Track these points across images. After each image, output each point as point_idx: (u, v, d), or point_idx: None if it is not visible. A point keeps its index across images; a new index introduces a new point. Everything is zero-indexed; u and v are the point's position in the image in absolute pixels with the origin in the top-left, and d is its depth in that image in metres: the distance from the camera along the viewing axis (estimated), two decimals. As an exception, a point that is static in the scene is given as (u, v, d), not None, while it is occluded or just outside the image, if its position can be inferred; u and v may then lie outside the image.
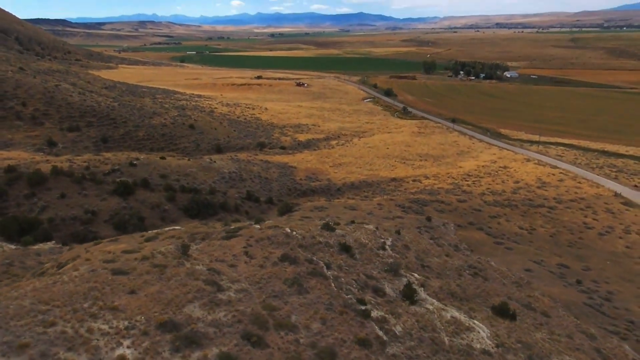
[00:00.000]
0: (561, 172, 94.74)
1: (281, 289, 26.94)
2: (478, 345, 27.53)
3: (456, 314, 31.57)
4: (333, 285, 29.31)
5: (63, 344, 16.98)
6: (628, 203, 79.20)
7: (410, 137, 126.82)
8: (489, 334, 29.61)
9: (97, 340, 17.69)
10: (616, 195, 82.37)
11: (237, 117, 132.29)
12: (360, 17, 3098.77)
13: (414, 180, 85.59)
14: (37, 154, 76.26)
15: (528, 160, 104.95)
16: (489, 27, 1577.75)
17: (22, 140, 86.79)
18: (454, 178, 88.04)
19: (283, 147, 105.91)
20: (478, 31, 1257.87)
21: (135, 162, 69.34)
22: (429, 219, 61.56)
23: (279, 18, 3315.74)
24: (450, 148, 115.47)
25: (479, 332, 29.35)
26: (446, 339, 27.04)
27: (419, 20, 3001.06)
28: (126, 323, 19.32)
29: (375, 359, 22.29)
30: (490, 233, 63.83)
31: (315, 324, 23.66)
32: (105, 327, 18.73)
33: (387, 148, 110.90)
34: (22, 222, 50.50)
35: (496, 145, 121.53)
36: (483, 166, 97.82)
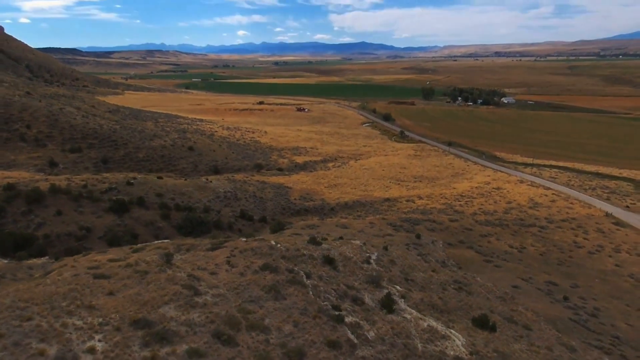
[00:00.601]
0: (554, 193, 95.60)
1: (258, 295, 27.78)
2: (452, 353, 28.00)
3: (434, 323, 32.11)
4: (311, 293, 30.04)
5: (37, 336, 17.91)
6: (619, 223, 79.70)
7: (406, 159, 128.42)
8: (464, 343, 30.07)
9: (70, 333, 18.60)
10: (607, 215, 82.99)
11: (237, 140, 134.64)
12: (362, 47, 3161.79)
13: (407, 201, 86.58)
14: (37, 174, 78.02)
15: (521, 181, 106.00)
16: (487, 56, 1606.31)
17: (24, 161, 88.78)
18: (447, 198, 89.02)
19: (280, 169, 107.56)
20: (477, 59, 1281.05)
21: (132, 181, 70.88)
22: (418, 236, 62.30)
23: (283, 47, 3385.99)
24: (445, 170, 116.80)
25: (454, 341, 29.84)
26: (419, 345, 27.60)
27: (420, 49, 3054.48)
28: (100, 320, 20.24)
29: (343, 359, 22.99)
30: (480, 251, 64.34)
31: (288, 326, 24.39)
32: (79, 322, 19.65)
33: (383, 170, 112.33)
34: (17, 238, 51.55)
35: (491, 168, 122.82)
36: (476, 187, 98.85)
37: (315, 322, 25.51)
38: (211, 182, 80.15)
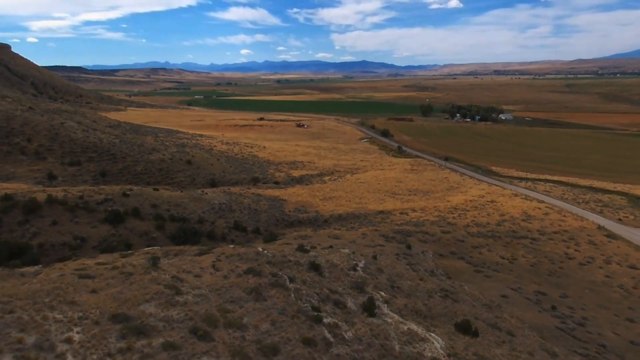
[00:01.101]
0: (547, 207, 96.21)
1: (239, 296, 28.48)
2: (429, 354, 28.51)
3: (414, 327, 32.65)
4: (293, 295, 30.68)
5: (17, 326, 18.70)
6: (611, 235, 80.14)
7: (402, 173, 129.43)
8: (443, 345, 30.59)
9: (50, 325, 19.39)
10: (599, 228, 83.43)
11: (235, 155, 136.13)
12: (363, 65, 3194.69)
13: (401, 213, 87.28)
14: (36, 186, 79.06)
15: (516, 195, 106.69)
16: (487, 74, 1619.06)
17: (24, 173, 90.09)
18: (440, 211, 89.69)
19: (276, 182, 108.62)
20: (476, 77, 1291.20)
21: (128, 192, 71.91)
22: (409, 246, 62.92)
23: (285, 66, 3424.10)
24: (440, 184, 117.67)
25: (433, 343, 30.36)
26: (397, 346, 28.14)
27: (420, 67, 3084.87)
28: (80, 314, 21.03)
29: (318, 356, 23.58)
30: (471, 262, 64.82)
31: (265, 324, 25.06)
32: (60, 316, 20.45)
33: (378, 183, 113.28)
34: (12, 247, 52.36)
35: (486, 182, 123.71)
36: (471, 200, 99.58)
37: (292, 321, 26.17)
38: (206, 194, 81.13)
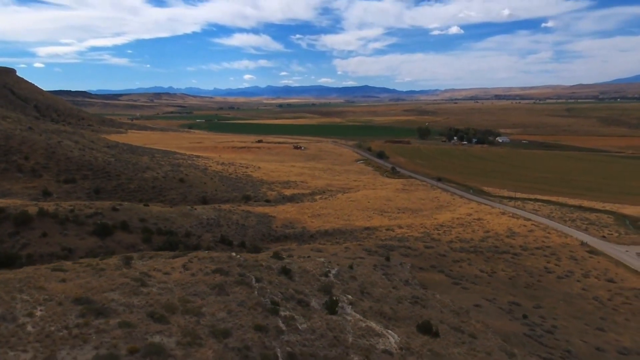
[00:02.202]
0: (533, 224, 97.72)
1: (203, 290, 30.23)
2: (381, 347, 30.09)
3: (373, 325, 34.20)
4: (256, 292, 32.36)
5: (-16, 304, 20.68)
6: (593, 251, 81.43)
7: (393, 192, 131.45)
8: (398, 341, 32.13)
9: (16, 304, 21.35)
10: (582, 244, 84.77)
11: (229, 174, 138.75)
12: (365, 90, 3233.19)
13: (387, 229, 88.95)
14: (30, 202, 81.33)
15: (503, 213, 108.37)
16: (488, 99, 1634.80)
17: (20, 190, 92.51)
18: (426, 228, 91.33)
19: (268, 200, 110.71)
20: (477, 102, 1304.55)
21: (118, 207, 74.06)
22: (387, 258, 64.52)
23: (288, 90, 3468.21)
24: (430, 203, 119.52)
25: (388, 339, 31.93)
26: (350, 338, 29.74)
27: (421, 92, 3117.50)
28: (46, 297, 22.95)
29: (267, 341, 25.28)
30: (450, 275, 66.15)
31: (222, 313, 26.80)
32: (27, 297, 22.40)
33: (368, 202, 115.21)
34: (1, 257, 54.30)
35: (476, 201, 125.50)
36: (457, 218, 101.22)
37: (249, 312, 27.90)
38: (195, 209, 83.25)
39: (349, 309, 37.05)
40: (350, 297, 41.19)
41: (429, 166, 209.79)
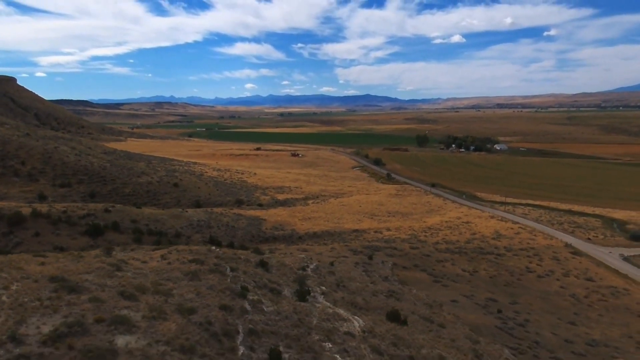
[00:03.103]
0: (520, 227, 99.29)
1: (176, 276, 32.03)
2: (344, 329, 31.77)
3: (341, 311, 35.92)
4: (229, 280, 34.29)
5: (-36, 279, 22.64)
6: (577, 253, 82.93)
7: (385, 198, 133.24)
8: (362, 325, 33.85)
9: (-6, 280, 23.29)
10: (566, 245, 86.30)
11: (224, 180, 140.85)
12: (366, 99, 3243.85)
13: (375, 232, 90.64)
14: (24, 204, 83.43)
15: (492, 217, 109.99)
16: (489, 107, 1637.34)
17: (16, 194, 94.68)
18: (414, 230, 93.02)
19: (260, 205, 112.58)
20: (479, 111, 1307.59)
21: (110, 209, 76.12)
22: (370, 257, 66.23)
23: (289, 99, 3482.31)
24: (421, 207, 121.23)
25: (353, 323, 33.62)
26: (315, 321, 31.47)
27: (423, 101, 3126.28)
28: (24, 275, 24.90)
29: (231, 319, 27.04)
30: (432, 274, 67.74)
31: (190, 295, 28.57)
32: (5, 275, 24.32)
33: (360, 206, 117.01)
34: (-6, 254, 56.33)
35: (467, 206, 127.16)
36: (446, 221, 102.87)
37: (217, 294, 29.67)
38: (187, 212, 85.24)
39: (320, 298, 38.81)
40: (324, 288, 42.95)
41: (425, 173, 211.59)
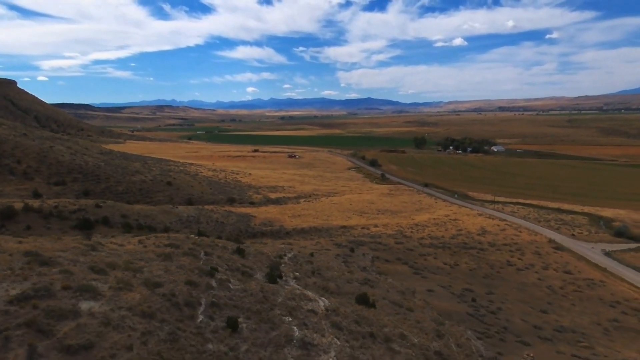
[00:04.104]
0: (506, 224, 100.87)
1: (150, 257, 33.78)
2: (308, 307, 33.51)
3: (309, 293, 37.59)
4: (201, 262, 36.11)
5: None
6: (559, 248, 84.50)
7: (377, 197, 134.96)
8: (327, 305, 35.57)
9: (-30, 254, 25.18)
10: (550, 241, 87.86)
11: (219, 179, 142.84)
12: (368, 102, 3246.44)
13: (362, 228, 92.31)
14: (17, 200, 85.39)
15: (480, 214, 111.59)
16: (491, 111, 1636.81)
17: (11, 192, 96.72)
18: (401, 227, 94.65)
19: (252, 203, 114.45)
20: (480, 114, 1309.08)
21: (101, 204, 78.06)
22: (352, 250, 67.97)
23: (291, 103, 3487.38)
24: (412, 205, 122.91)
25: (318, 303, 35.37)
26: (280, 299, 33.15)
27: (425, 104, 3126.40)
28: (0, 250, 26.81)
29: (195, 293, 28.80)
30: (414, 266, 69.36)
31: (159, 272, 30.30)
32: (-18, 250, 26.23)
33: (351, 204, 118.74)
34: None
35: (457, 204, 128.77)
36: (434, 219, 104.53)
37: (185, 272, 31.43)
38: (177, 208, 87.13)
39: (292, 282, 40.52)
40: (297, 274, 44.67)
41: (420, 174, 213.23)
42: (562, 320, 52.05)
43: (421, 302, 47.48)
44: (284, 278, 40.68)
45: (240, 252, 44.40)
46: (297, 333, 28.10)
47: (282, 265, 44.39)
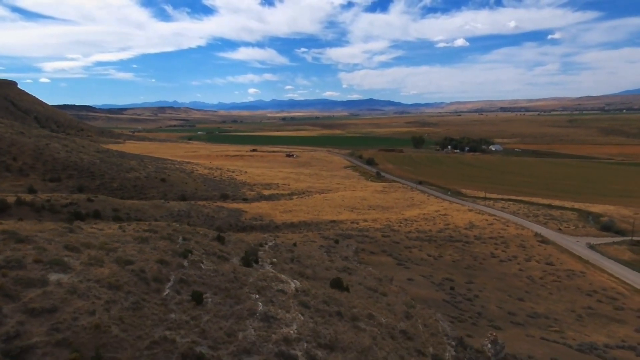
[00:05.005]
0: (495, 219, 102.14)
1: (126, 240, 35.17)
2: (278, 288, 34.94)
3: (282, 276, 38.94)
4: (177, 246, 37.55)
5: None
6: (544, 241, 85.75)
7: (370, 194, 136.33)
8: (298, 286, 36.96)
9: (-50, 230, 26.64)
10: (536, 235, 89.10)
11: (214, 177, 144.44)
12: (370, 103, 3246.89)
13: (352, 222, 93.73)
14: (10, 194, 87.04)
15: (470, 210, 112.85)
16: (493, 111, 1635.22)
17: (6, 188, 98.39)
18: (390, 222, 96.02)
19: (245, 199, 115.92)
20: (482, 114, 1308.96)
21: (93, 198, 79.69)
22: (336, 241, 69.33)
23: (292, 104, 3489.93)
24: (404, 202, 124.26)
25: (289, 284, 36.74)
26: (250, 280, 34.62)
27: (427, 105, 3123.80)
28: (-22, 229, 28.26)
29: (165, 270, 30.26)
30: (398, 258, 70.69)
31: (132, 251, 31.63)
32: (-39, 228, 27.69)
33: (343, 201, 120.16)
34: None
35: (449, 201, 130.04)
36: (424, 214, 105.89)
37: (159, 253, 32.78)
38: (168, 202, 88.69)
39: (267, 267, 41.89)
40: (275, 260, 46.07)
41: (416, 172, 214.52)
42: (537, 308, 53.34)
43: (397, 288, 48.76)
44: (260, 263, 41.90)
45: (220, 239, 45.58)
46: (261, 307, 29.45)
47: (261, 252, 45.74)
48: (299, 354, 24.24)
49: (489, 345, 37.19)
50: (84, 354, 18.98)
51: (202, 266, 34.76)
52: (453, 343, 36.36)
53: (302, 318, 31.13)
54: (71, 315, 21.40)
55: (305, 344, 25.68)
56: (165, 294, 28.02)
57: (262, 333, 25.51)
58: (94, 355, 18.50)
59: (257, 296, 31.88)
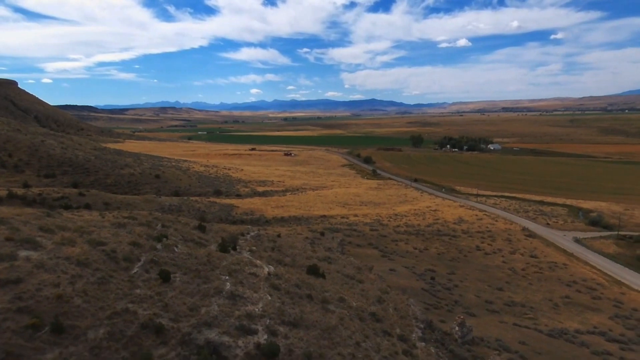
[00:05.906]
0: (485, 214, 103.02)
1: (104, 225, 36.47)
2: (251, 271, 36.00)
3: (257, 262, 40.05)
4: (155, 232, 38.64)
5: None
6: (531, 235, 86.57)
7: (364, 190, 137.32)
8: (272, 271, 38.01)
9: None
10: (523, 229, 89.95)
11: (209, 174, 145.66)
12: (372, 103, 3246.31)
13: (342, 217, 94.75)
14: (3, 188, 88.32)
15: (462, 206, 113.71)
16: (495, 111, 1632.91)
17: (2, 184, 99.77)
18: (380, 217, 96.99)
19: (239, 195, 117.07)
20: (484, 114, 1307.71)
21: (85, 193, 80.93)
22: (322, 234, 70.35)
23: (294, 104, 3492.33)
24: (396, 198, 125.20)
25: (263, 269, 37.79)
26: (224, 263, 35.62)
27: (429, 105, 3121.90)
28: (-43, 211, 29.45)
29: (137, 251, 31.36)
30: (383, 251, 71.64)
31: (107, 235, 32.81)
32: (-60, 209, 28.89)
33: (336, 197, 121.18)
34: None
35: (441, 197, 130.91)
36: (415, 209, 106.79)
37: (133, 236, 33.83)
38: (160, 197, 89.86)
39: (245, 254, 42.97)
40: (254, 248, 47.14)
41: (412, 170, 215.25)
42: (515, 297, 54.25)
43: (374, 276, 49.76)
44: (238, 250, 42.89)
45: (201, 227, 46.65)
46: (228, 287, 30.51)
47: (242, 240, 46.79)
48: (260, 328, 25.28)
49: (457, 328, 38.22)
50: (43, 320, 20.12)
51: (176, 249, 35.78)
52: (422, 325, 37.42)
53: (270, 298, 32.14)
54: (35, 286, 22.51)
55: (269, 320, 26.68)
56: (133, 272, 29.06)
57: (226, 309, 26.55)
58: (53, 321, 19.70)
59: (226, 277, 32.86)
